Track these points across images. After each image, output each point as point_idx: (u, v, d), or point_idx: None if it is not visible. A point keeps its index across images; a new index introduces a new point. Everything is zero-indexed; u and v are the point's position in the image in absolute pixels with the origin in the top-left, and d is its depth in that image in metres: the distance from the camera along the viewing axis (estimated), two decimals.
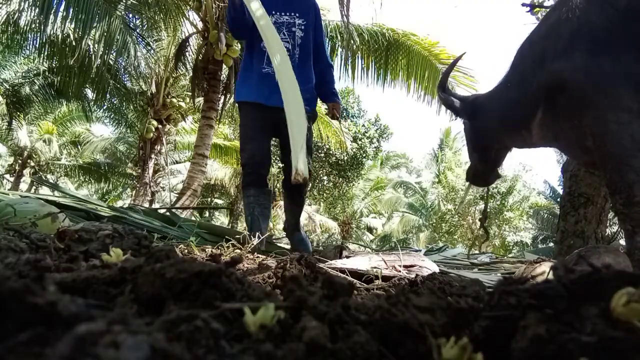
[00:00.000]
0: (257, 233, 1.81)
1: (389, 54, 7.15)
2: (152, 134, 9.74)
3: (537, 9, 4.29)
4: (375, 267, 1.02)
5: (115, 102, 10.53)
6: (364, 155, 14.61)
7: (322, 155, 13.93)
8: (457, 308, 0.35)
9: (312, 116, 2.58)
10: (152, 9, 6.86)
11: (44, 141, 15.62)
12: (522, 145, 2.11)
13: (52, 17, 5.94)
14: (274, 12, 2.38)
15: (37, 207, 1.41)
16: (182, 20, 7.38)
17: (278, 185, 15.07)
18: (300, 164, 1.75)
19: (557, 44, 1.63)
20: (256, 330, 0.31)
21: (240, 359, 0.27)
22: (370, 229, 19.82)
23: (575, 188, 2.84)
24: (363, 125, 15.45)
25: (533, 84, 1.71)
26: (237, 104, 2.57)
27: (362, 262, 1.16)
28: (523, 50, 1.87)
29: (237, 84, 2.58)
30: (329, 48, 7.27)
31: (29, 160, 15.72)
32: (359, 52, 7.20)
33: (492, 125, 2.12)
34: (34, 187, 15.43)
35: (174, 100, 9.72)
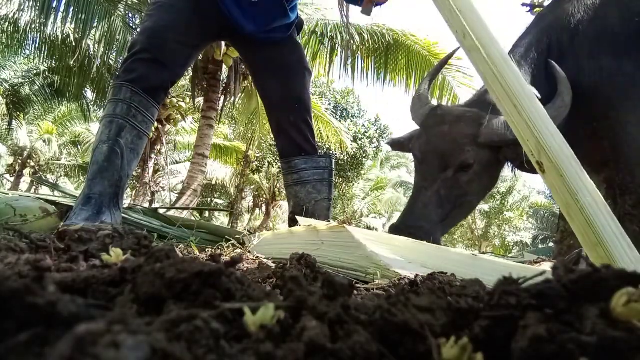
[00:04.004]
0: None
1: (389, 54, 7.16)
2: (152, 134, 9.75)
3: (537, 9, 4.29)
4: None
5: None
6: (364, 155, 14.61)
7: None
8: (457, 308, 0.35)
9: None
10: None
11: (44, 141, 15.64)
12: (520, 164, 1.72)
13: (52, 17, 5.93)
14: None
15: (27, 204, 1.41)
16: None
17: (278, 185, 15.06)
18: None
19: (580, 45, 1.62)
20: (256, 330, 0.31)
21: (240, 359, 0.27)
22: (370, 229, 19.79)
23: None
24: (363, 125, 15.47)
25: (542, 89, 1.66)
26: None
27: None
28: (526, 49, 1.76)
29: None
30: (329, 47, 7.27)
31: (29, 160, 15.73)
32: (359, 52, 7.21)
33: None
34: (34, 187, 15.43)
35: (174, 100, 9.73)
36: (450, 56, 2.23)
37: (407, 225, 1.58)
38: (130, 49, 1.56)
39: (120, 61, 8.35)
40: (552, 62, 1.59)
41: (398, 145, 2.00)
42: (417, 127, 1.88)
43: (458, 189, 1.64)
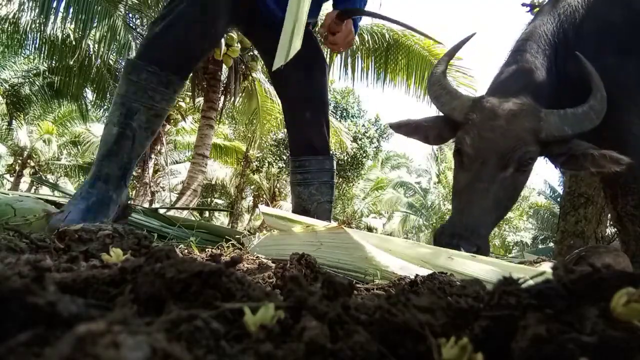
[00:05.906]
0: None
1: (389, 54, 7.15)
2: None
3: (537, 9, 4.29)
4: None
5: None
6: (364, 155, 14.60)
7: None
8: (457, 308, 0.35)
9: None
10: (152, 9, 6.86)
11: (44, 141, 15.63)
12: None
13: (52, 17, 5.94)
14: None
15: (31, 205, 1.42)
16: None
17: (278, 185, 15.06)
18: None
19: (585, 42, 1.58)
20: (256, 330, 0.31)
21: (240, 359, 0.27)
22: (370, 229, 19.82)
23: (575, 188, 2.84)
24: (363, 125, 15.46)
25: (555, 81, 1.61)
26: None
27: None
28: (535, 41, 1.67)
29: None
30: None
31: (29, 160, 15.72)
32: (359, 52, 7.20)
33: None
34: (34, 187, 15.43)
35: None
36: (465, 41, 1.95)
37: (469, 234, 1.35)
38: (153, 25, 1.51)
39: (121, 61, 8.35)
40: (580, 54, 1.51)
41: (410, 128, 1.76)
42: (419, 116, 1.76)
43: (513, 190, 1.51)
